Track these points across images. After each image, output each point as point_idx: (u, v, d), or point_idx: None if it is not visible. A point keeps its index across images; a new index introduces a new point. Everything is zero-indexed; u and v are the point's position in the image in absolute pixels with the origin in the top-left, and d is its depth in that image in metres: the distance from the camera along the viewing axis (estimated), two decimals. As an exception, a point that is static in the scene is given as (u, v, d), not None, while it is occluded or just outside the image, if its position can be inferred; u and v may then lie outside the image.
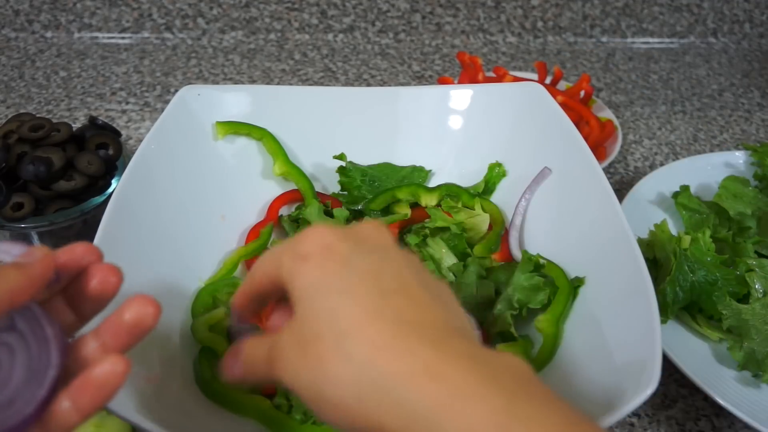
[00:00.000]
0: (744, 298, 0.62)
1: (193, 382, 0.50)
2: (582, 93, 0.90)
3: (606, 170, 0.86)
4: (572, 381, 0.49)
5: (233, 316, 0.41)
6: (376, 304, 0.30)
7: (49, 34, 1.10)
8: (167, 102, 0.63)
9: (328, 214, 0.64)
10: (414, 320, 0.30)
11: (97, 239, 0.49)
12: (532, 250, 0.59)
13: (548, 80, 0.94)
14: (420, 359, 0.28)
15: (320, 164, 0.69)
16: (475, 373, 0.28)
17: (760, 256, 0.66)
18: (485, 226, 0.64)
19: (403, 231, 0.65)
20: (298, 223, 0.64)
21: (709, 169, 0.78)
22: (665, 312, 0.60)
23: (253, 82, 1.03)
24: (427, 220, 0.64)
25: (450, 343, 0.29)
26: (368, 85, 1.04)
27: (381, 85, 1.03)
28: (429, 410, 0.27)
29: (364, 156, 0.69)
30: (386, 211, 0.66)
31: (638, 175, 0.86)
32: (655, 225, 0.66)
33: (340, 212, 0.64)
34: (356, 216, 0.65)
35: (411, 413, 0.27)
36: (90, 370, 0.30)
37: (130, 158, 0.57)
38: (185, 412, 0.47)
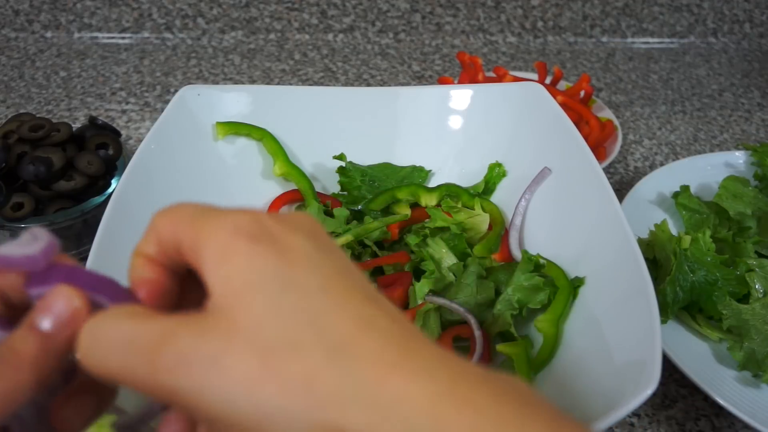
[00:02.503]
0: (744, 298, 0.62)
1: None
2: (582, 93, 0.90)
3: (606, 170, 0.86)
4: (572, 381, 0.49)
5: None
6: (365, 309, 0.24)
7: (49, 34, 1.10)
8: (167, 102, 0.64)
9: (329, 214, 0.64)
10: (405, 332, 0.25)
11: (97, 239, 0.49)
12: (532, 250, 0.59)
13: (548, 80, 0.94)
14: (441, 382, 0.23)
15: (320, 164, 0.69)
16: (501, 399, 0.23)
17: (760, 256, 0.66)
18: (485, 226, 0.64)
19: (403, 231, 0.65)
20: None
21: (709, 169, 0.78)
22: (665, 312, 0.60)
23: (253, 82, 1.03)
24: (427, 220, 0.64)
25: (451, 359, 0.24)
26: (368, 85, 1.04)
27: (381, 85, 1.03)
28: None
29: (365, 156, 0.69)
30: (386, 211, 0.66)
31: (638, 175, 0.86)
32: (655, 225, 0.66)
33: (340, 212, 0.64)
34: (356, 216, 0.65)
35: None
36: None
37: (130, 158, 0.57)
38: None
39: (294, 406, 0.22)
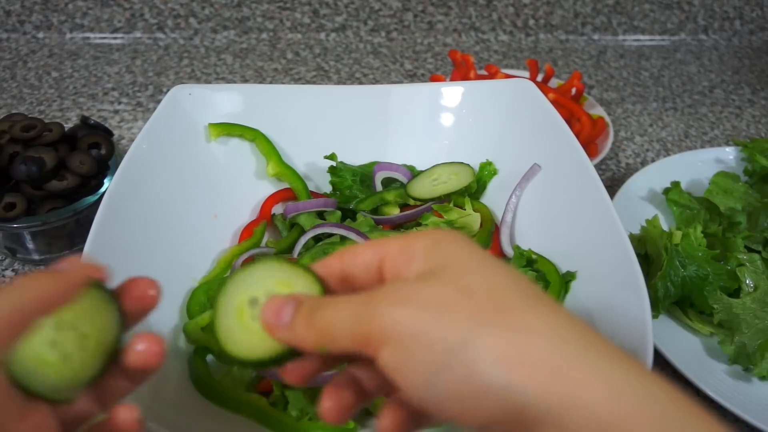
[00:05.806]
0: (735, 292, 0.62)
1: (189, 380, 0.51)
2: (573, 90, 0.90)
3: (597, 167, 0.86)
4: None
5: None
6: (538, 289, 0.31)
7: (41, 35, 1.10)
8: (159, 102, 0.63)
9: (320, 215, 0.64)
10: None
11: (90, 239, 0.49)
12: (524, 247, 0.60)
13: (540, 78, 0.94)
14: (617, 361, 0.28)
15: (313, 163, 0.69)
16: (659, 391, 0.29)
17: (750, 250, 0.67)
18: (476, 225, 0.64)
19: (395, 231, 0.65)
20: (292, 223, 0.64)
21: (699, 165, 0.79)
22: (657, 307, 0.60)
23: (245, 81, 1.03)
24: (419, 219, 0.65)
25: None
26: (360, 83, 1.04)
27: (373, 84, 1.03)
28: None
29: (357, 154, 0.69)
30: (376, 211, 0.66)
31: (630, 171, 0.86)
32: (647, 221, 0.67)
33: (333, 215, 0.64)
34: (349, 215, 0.65)
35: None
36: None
37: (122, 158, 0.57)
38: (182, 411, 0.47)
39: (479, 321, 0.27)
